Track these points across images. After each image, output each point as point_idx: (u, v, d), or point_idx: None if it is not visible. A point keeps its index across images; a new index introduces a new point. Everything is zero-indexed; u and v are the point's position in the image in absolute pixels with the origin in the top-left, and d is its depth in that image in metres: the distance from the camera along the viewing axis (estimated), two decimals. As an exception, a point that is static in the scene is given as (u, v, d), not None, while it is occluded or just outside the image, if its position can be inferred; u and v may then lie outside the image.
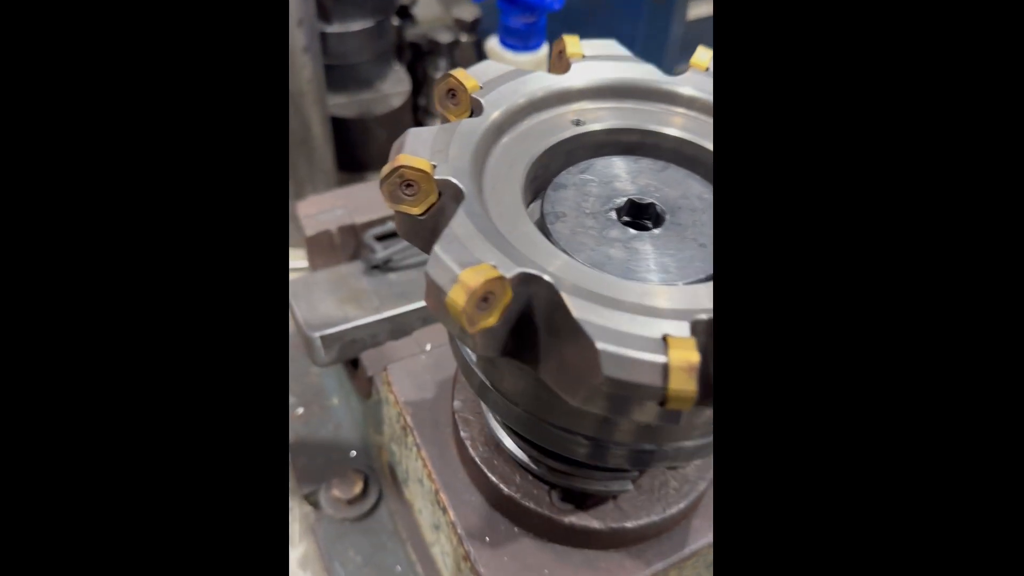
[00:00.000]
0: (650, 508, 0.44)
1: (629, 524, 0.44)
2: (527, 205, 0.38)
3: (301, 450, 0.73)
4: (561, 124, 0.41)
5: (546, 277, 0.29)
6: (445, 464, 0.48)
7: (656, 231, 0.37)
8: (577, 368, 0.29)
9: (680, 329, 0.28)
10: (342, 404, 0.77)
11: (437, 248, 0.30)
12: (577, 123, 0.41)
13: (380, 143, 1.06)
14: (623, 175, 0.40)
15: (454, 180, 0.34)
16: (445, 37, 1.08)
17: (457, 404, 0.48)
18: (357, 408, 0.74)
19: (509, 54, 0.81)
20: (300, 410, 0.77)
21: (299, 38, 0.77)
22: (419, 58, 1.14)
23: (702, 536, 0.47)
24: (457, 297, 0.28)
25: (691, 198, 0.39)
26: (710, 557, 0.48)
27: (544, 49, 0.82)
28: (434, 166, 0.34)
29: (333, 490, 0.69)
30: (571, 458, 0.39)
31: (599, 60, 0.43)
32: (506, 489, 0.45)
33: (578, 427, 0.37)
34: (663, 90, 0.43)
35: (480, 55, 1.10)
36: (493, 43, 0.82)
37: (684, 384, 0.27)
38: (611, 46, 0.44)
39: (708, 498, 0.48)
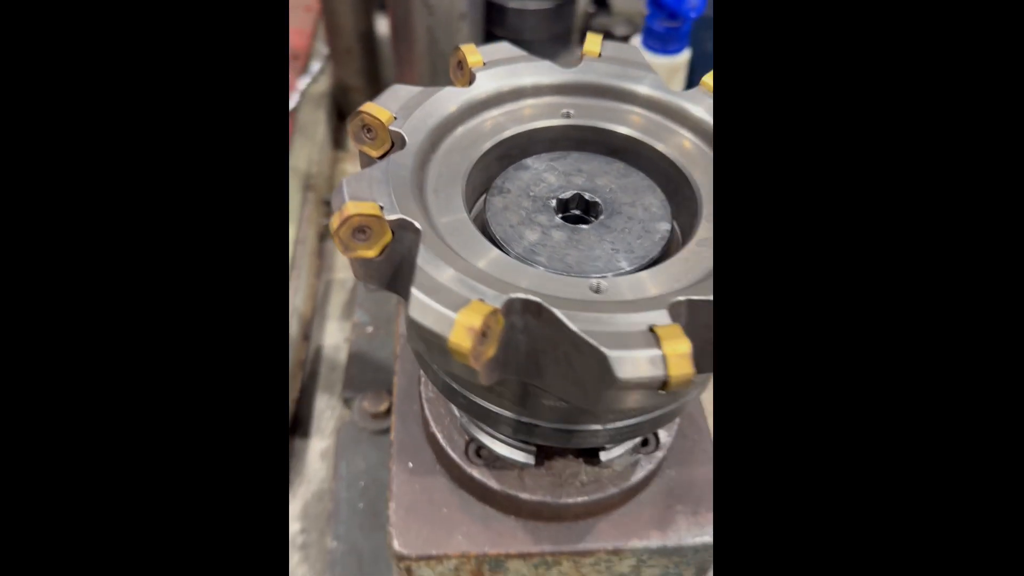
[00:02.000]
0: (549, 490, 0.46)
1: (523, 496, 0.46)
2: (473, 219, 0.40)
3: (357, 361, 0.83)
4: (483, 132, 0.42)
5: (534, 298, 0.31)
6: (407, 393, 0.54)
7: (597, 222, 0.39)
8: (587, 377, 0.30)
9: (662, 317, 0.31)
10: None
11: (420, 295, 0.30)
12: (567, 115, 0.44)
13: (533, 118, 1.12)
14: (555, 172, 0.42)
15: (405, 217, 0.34)
16: (621, 30, 1.10)
17: (428, 345, 0.53)
18: (411, 341, 0.82)
19: (648, 55, 0.82)
20: (370, 328, 0.87)
21: (459, 4, 0.85)
22: (597, 46, 1.17)
23: (603, 539, 0.47)
24: (462, 340, 0.29)
25: (624, 184, 0.41)
26: (621, 568, 0.49)
27: (686, 54, 0.81)
28: (381, 207, 0.34)
29: (364, 402, 0.78)
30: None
31: (501, 64, 0.44)
32: (433, 426, 0.49)
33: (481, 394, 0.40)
34: (564, 83, 0.44)
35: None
36: (636, 42, 0.84)
37: (683, 370, 0.29)
38: (506, 48, 0.45)
39: (624, 510, 0.49)
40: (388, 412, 0.77)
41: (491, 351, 0.31)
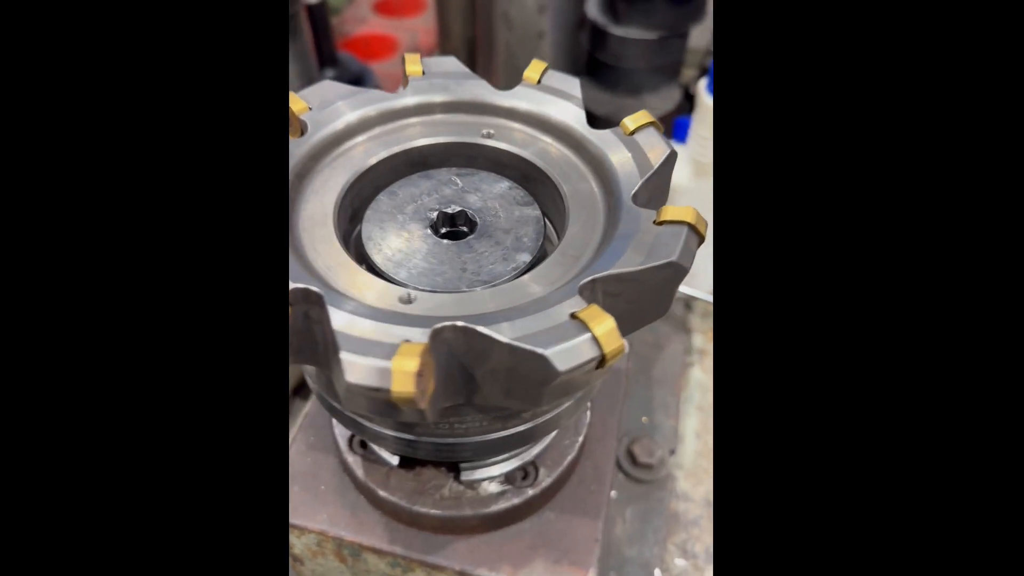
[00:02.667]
0: (407, 495, 0.47)
1: (382, 493, 0.47)
2: (348, 218, 0.42)
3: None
4: (396, 138, 0.44)
5: (315, 289, 0.32)
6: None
7: (463, 241, 0.40)
8: (335, 372, 0.32)
9: (421, 335, 0.31)
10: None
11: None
12: (488, 135, 0.44)
13: (618, 146, 1.11)
14: (453, 187, 0.42)
15: None
16: (725, 72, 1.06)
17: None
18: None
19: (707, 98, 0.78)
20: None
21: (538, 22, 0.87)
22: (704, 85, 1.13)
23: (453, 558, 0.47)
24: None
25: (512, 211, 0.41)
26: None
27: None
28: None
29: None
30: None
31: (440, 78, 0.45)
32: (333, 417, 0.51)
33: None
34: (487, 104, 0.44)
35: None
36: (702, 84, 0.80)
37: (404, 386, 0.30)
38: (451, 63, 0.46)
39: (488, 537, 0.48)
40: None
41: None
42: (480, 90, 0.45)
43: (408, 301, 0.35)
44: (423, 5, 1.37)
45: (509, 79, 0.93)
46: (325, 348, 0.33)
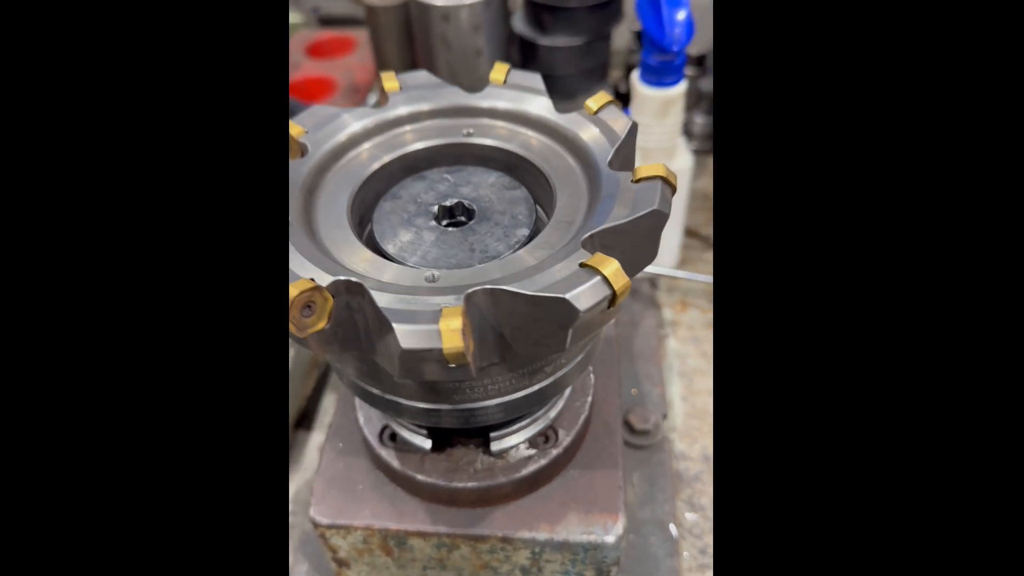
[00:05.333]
0: (443, 474, 0.50)
1: (419, 477, 0.51)
2: (358, 223, 0.46)
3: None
4: (389, 146, 0.49)
5: (355, 279, 0.35)
6: (349, 382, 0.60)
7: (466, 226, 0.44)
8: (391, 348, 0.35)
9: (455, 301, 0.35)
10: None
11: None
12: (468, 134, 0.49)
13: (563, 148, 1.17)
14: (446, 183, 0.47)
15: None
16: (650, 66, 1.13)
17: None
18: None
19: (644, 88, 0.85)
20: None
21: (474, 40, 0.92)
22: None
23: (495, 527, 0.51)
24: None
25: (503, 195, 0.46)
26: (519, 559, 0.52)
27: (681, 86, 0.84)
28: None
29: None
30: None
31: (416, 89, 0.50)
32: (358, 411, 0.55)
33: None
34: (466, 106, 0.49)
35: (691, 89, 1.14)
36: (635, 76, 0.87)
37: (453, 342, 0.33)
38: (423, 76, 0.51)
39: (521, 502, 0.52)
40: (378, 411, 0.83)
41: (320, 324, 0.36)
42: (456, 95, 0.50)
43: (433, 280, 0.39)
44: (353, 44, 1.41)
45: (454, 98, 0.98)
46: (368, 330, 0.37)
